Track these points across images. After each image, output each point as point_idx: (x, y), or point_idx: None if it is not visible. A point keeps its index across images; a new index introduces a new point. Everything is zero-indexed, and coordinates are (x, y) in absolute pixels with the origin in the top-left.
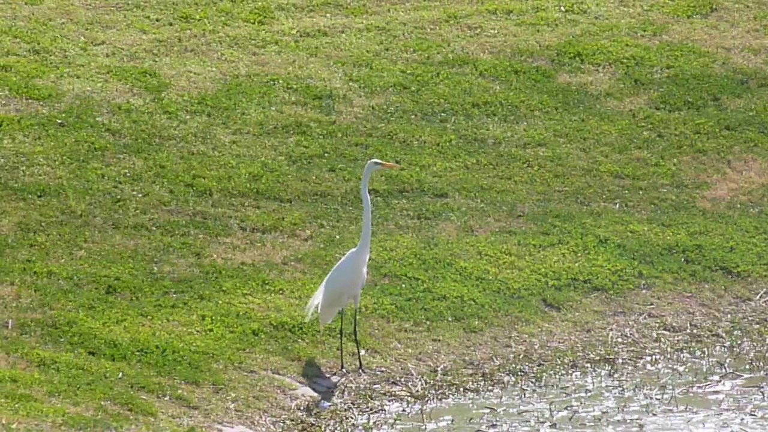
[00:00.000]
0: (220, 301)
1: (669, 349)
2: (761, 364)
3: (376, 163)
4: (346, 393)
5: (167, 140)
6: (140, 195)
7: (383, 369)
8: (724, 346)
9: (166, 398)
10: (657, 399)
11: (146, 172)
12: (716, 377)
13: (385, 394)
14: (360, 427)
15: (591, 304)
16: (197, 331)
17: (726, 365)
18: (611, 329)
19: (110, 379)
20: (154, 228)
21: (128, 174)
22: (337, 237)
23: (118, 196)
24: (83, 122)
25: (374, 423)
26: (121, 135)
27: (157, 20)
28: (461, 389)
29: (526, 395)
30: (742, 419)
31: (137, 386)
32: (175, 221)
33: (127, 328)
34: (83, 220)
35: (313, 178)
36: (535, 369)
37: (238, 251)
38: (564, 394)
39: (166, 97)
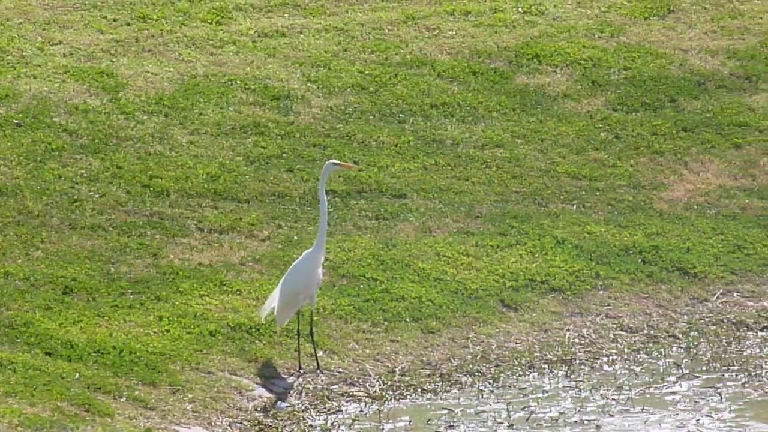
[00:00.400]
0: (177, 302)
1: (626, 350)
2: (718, 365)
3: (335, 164)
4: (303, 394)
5: (124, 141)
6: (97, 195)
7: (341, 370)
8: (681, 347)
9: (123, 399)
10: (614, 400)
11: (103, 172)
12: (673, 378)
13: (342, 395)
14: (317, 428)
15: (548, 305)
16: (154, 332)
17: (683, 366)
18: (568, 330)
19: (67, 379)
20: (111, 228)
21: (85, 174)
22: (295, 238)
23: (75, 197)
24: (40, 122)
25: (332, 424)
26: (78, 135)
27: (115, 20)
28: (419, 390)
29: (484, 396)
30: (698, 420)
31: (94, 387)
32: (132, 222)
33: (83, 329)
34: (40, 220)
35: (271, 178)
36: (492, 370)
37: (196, 252)
38: (521, 395)
39: (124, 97)
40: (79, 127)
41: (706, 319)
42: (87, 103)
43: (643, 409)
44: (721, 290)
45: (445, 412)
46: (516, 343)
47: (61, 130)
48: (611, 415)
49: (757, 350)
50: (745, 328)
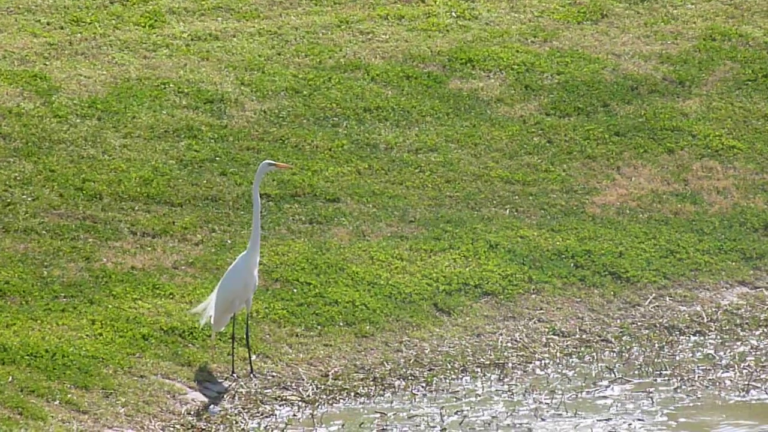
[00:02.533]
0: (110, 306)
1: (558, 354)
2: (650, 369)
3: (270, 164)
4: (236, 398)
5: (57, 144)
6: (30, 199)
7: (274, 374)
8: (614, 351)
9: (56, 402)
10: (546, 404)
11: (36, 175)
12: (605, 382)
13: (276, 399)
14: None
15: (481, 309)
16: (87, 336)
17: (615, 370)
18: (501, 334)
19: (0, 383)
20: (44, 232)
21: (18, 178)
22: (229, 241)
23: (8, 200)
24: None
25: (265, 427)
26: (11, 139)
27: (48, 24)
28: (352, 394)
29: (417, 400)
30: (630, 424)
31: (27, 390)
32: (65, 225)
33: (16, 332)
34: None
35: (205, 182)
36: (425, 373)
37: (129, 255)
38: (454, 399)
39: (57, 100)
40: (12, 130)
41: (639, 324)
42: (20, 107)
43: (575, 414)
44: (653, 295)
45: (378, 416)
46: (449, 347)
47: None
48: (543, 419)
49: (690, 355)
50: (678, 333)
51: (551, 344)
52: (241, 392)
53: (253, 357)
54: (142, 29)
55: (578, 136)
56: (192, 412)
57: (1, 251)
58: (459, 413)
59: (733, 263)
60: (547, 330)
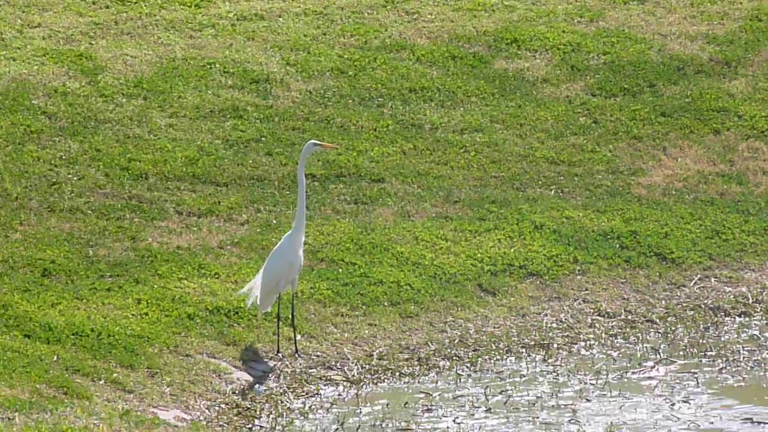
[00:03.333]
0: (156, 285)
1: (603, 335)
2: (695, 350)
3: (315, 144)
4: (281, 377)
5: (103, 123)
6: (76, 178)
7: (319, 353)
8: (659, 332)
9: (101, 382)
10: (591, 384)
11: (82, 155)
12: (650, 363)
13: (320, 379)
14: (295, 411)
15: (526, 290)
16: (132, 315)
17: (660, 351)
18: (546, 315)
19: (45, 362)
20: (89, 211)
21: (64, 157)
22: (274, 221)
23: (54, 180)
24: (19, 105)
25: (310, 407)
26: (57, 118)
27: (94, 3)
28: (397, 374)
29: (461, 380)
30: (673, 405)
31: (72, 369)
32: (111, 205)
33: (62, 312)
34: (19, 203)
35: (250, 162)
36: (470, 354)
37: (174, 235)
38: (499, 379)
39: (103, 80)
40: (58, 109)
41: (684, 305)
42: (66, 86)
43: (619, 394)
44: (698, 275)
45: (422, 395)
46: (494, 328)
47: (40, 112)
48: (588, 400)
49: (735, 336)
50: (723, 314)
51: (596, 325)
52: (287, 372)
53: (299, 337)
54: (188, 9)
55: (624, 117)
56: (237, 392)
57: (47, 231)
58: (503, 393)
59: None
60: (592, 311)
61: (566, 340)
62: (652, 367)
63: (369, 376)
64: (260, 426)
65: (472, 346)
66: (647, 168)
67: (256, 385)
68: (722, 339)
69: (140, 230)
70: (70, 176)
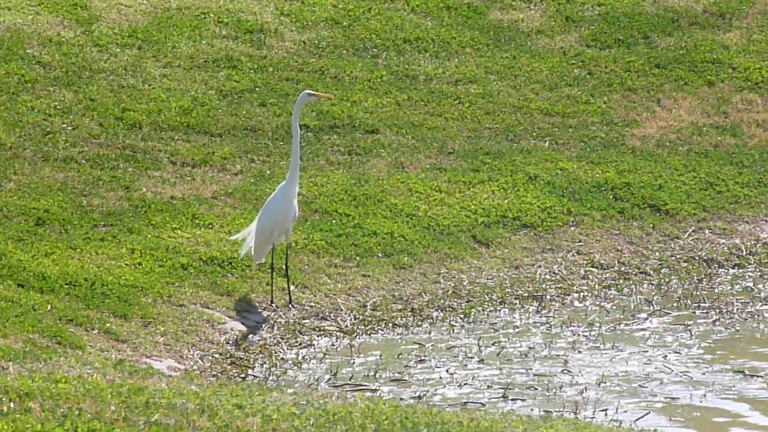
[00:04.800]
0: (150, 235)
1: (597, 287)
2: (688, 302)
3: (310, 94)
4: (275, 327)
5: (97, 73)
6: (70, 128)
7: (313, 304)
8: (652, 284)
9: (94, 331)
10: (584, 336)
11: (76, 105)
12: (643, 315)
13: (314, 329)
14: (289, 362)
15: (520, 241)
16: (126, 265)
17: (653, 303)
18: (539, 266)
19: (39, 311)
20: (83, 161)
21: (58, 107)
22: (268, 172)
23: (48, 129)
24: (13, 55)
25: (303, 357)
26: (51, 68)
27: None
28: (390, 324)
29: (455, 331)
30: (666, 356)
31: (66, 319)
32: (105, 154)
33: (56, 261)
34: (13, 152)
35: (244, 112)
36: (463, 305)
37: (168, 185)
38: (492, 330)
39: (97, 29)
40: (52, 59)
41: (678, 256)
42: (60, 36)
43: (612, 346)
44: (692, 227)
45: (416, 346)
46: (487, 279)
47: (34, 62)
48: (580, 351)
49: (728, 288)
50: (717, 266)
51: (590, 277)
52: (280, 322)
53: (292, 287)
54: None
55: (618, 68)
56: (231, 342)
57: (41, 180)
58: (497, 344)
59: None
60: (585, 262)
61: (559, 291)
62: (645, 319)
63: (362, 326)
64: (254, 376)
65: (465, 297)
66: (641, 119)
67: (250, 336)
68: (716, 291)
69: (134, 180)
70: (64, 126)
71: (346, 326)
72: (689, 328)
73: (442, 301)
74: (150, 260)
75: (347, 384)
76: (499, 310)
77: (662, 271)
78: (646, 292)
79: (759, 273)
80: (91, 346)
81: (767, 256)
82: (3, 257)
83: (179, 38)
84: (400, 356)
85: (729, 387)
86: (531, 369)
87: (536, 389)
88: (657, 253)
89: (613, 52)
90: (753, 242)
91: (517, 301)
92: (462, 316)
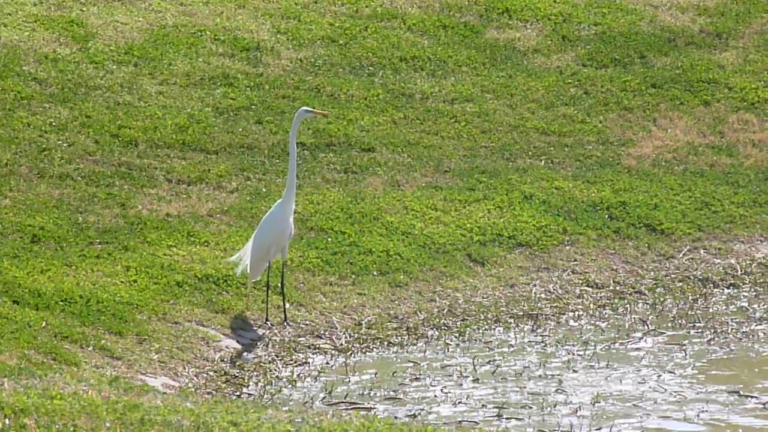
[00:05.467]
0: (145, 253)
1: (592, 306)
2: (683, 321)
3: (307, 111)
4: (270, 345)
5: (93, 90)
6: (66, 145)
7: (308, 322)
8: (647, 303)
9: (89, 348)
10: (579, 355)
11: (72, 122)
12: (638, 334)
13: (309, 347)
14: (284, 380)
15: (515, 260)
16: (121, 282)
17: (648, 322)
18: (535, 285)
19: (34, 328)
20: (79, 178)
21: (54, 123)
22: (264, 190)
23: (44, 146)
24: (10, 71)
25: (298, 375)
26: (47, 84)
27: None
28: (385, 343)
29: (450, 349)
30: (660, 376)
31: (61, 336)
32: (101, 171)
33: (51, 278)
34: (8, 169)
35: (240, 130)
36: (458, 323)
37: (164, 202)
38: (487, 349)
39: (93, 47)
40: (48, 76)
41: (673, 276)
42: (56, 53)
43: (607, 365)
44: (687, 247)
45: (411, 365)
46: (482, 298)
47: (30, 78)
48: (575, 371)
49: (723, 307)
50: (712, 285)
51: (585, 296)
52: (275, 340)
53: (287, 305)
54: None
55: (615, 88)
56: (226, 359)
57: (37, 197)
58: (491, 363)
59: None
60: (580, 281)
61: (554, 310)
62: (640, 338)
63: (357, 344)
64: (248, 393)
65: (460, 315)
66: (637, 139)
67: (245, 353)
68: (711, 310)
69: (130, 197)
70: (60, 143)
71: (341, 344)
72: (684, 347)
73: (438, 320)
74: (145, 278)
75: (342, 402)
76: (494, 329)
77: (657, 290)
78: (641, 311)
79: (754, 293)
80: (86, 362)
81: (762, 276)
82: None
83: (175, 55)
84: (395, 374)
85: (723, 407)
86: (526, 388)
87: (531, 408)
88: (652, 273)
89: (609, 72)
90: (748, 262)
91: (512, 320)
92: (457, 334)
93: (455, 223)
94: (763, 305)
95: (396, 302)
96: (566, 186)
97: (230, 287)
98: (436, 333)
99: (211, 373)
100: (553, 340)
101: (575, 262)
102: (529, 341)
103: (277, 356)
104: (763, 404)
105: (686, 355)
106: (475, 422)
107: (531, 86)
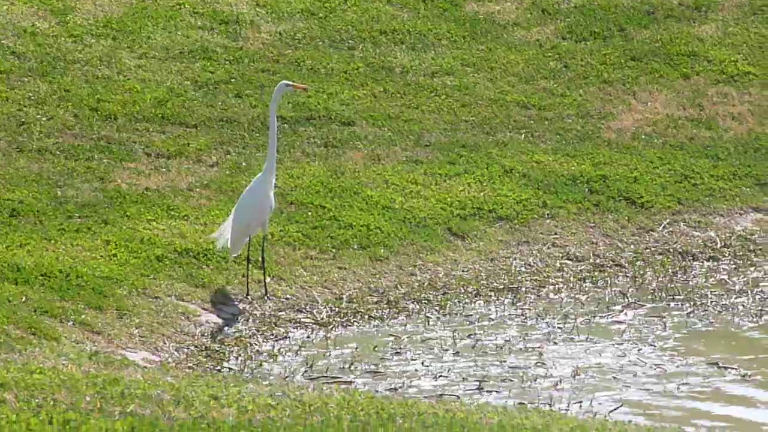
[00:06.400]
0: (125, 227)
1: (572, 279)
2: (663, 294)
3: (287, 85)
4: (251, 320)
5: (72, 64)
6: (45, 119)
7: (289, 296)
8: (627, 276)
9: (69, 323)
10: (559, 328)
11: (51, 95)
12: (618, 307)
13: (290, 321)
14: (264, 354)
15: (495, 234)
16: (101, 256)
17: (628, 295)
18: (515, 258)
19: (13, 303)
20: (58, 152)
21: (33, 97)
22: (244, 164)
23: (23, 120)
24: None
25: (279, 350)
26: (26, 58)
27: None
28: (366, 317)
29: (430, 323)
30: (640, 350)
31: (40, 310)
32: (80, 145)
33: (30, 252)
34: None
35: (220, 104)
36: (439, 297)
37: (143, 176)
38: (468, 323)
39: (72, 20)
40: (27, 49)
41: (653, 249)
42: (35, 26)
43: (587, 338)
44: (667, 220)
45: (391, 338)
46: (463, 271)
47: (8, 52)
48: (555, 343)
49: (703, 280)
50: (691, 258)
51: (565, 269)
52: (256, 314)
53: (268, 279)
54: None
55: (594, 61)
56: (206, 334)
57: (16, 171)
58: (472, 337)
59: (748, 189)
60: (561, 255)
61: (535, 284)
62: (620, 311)
63: (338, 319)
64: (229, 368)
65: (441, 289)
66: (617, 112)
67: (225, 328)
68: (690, 283)
69: (109, 171)
70: (38, 116)
71: (322, 318)
72: (664, 320)
73: (418, 294)
74: (125, 252)
75: (323, 376)
76: (475, 303)
77: (637, 263)
78: (621, 284)
79: (734, 266)
80: (65, 337)
81: (742, 248)
82: None
83: (154, 29)
84: (375, 348)
85: (703, 379)
86: (506, 361)
87: (511, 381)
88: (632, 246)
89: (589, 45)
90: (728, 235)
91: (493, 294)
92: (437, 308)
93: (435, 197)
94: (743, 278)
95: (377, 276)
96: (546, 160)
97: (210, 261)
98: (417, 307)
99: (192, 348)
100: (534, 314)
101: (555, 236)
102: (510, 314)
103: (258, 330)
104: (743, 376)
105: (666, 327)
106: (455, 395)
107: (511, 60)
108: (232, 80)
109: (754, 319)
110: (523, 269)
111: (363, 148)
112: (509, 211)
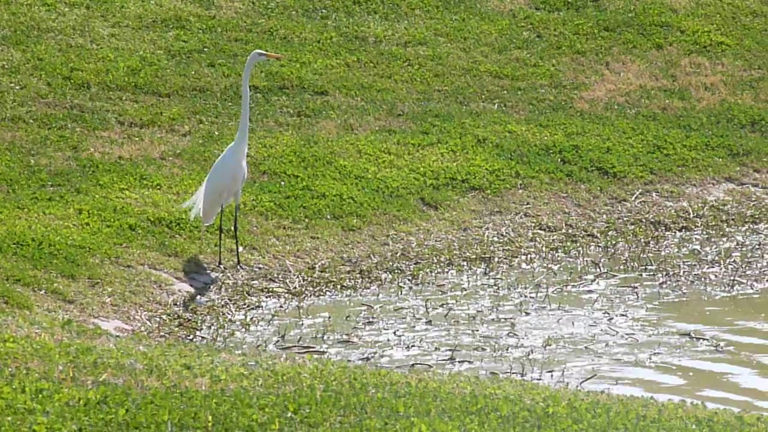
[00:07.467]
0: (97, 196)
1: (544, 249)
2: (635, 264)
3: (260, 54)
4: (223, 289)
5: (46, 32)
6: (18, 87)
7: (261, 266)
8: (599, 246)
9: (41, 291)
10: (531, 298)
11: (24, 64)
12: (590, 277)
13: (262, 291)
14: (237, 323)
15: (468, 204)
16: (74, 225)
17: (600, 265)
18: (488, 228)
19: None
20: (31, 121)
21: (6, 66)
22: (216, 133)
23: None
24: None
25: (251, 319)
26: None
27: None
28: (338, 286)
29: (403, 293)
30: (612, 319)
31: (13, 279)
32: (53, 114)
33: (3, 221)
34: None
35: (192, 73)
36: (412, 267)
37: (116, 145)
38: (440, 292)
39: None
40: (0, 18)
41: (625, 219)
42: None
43: (559, 307)
44: (640, 190)
45: (364, 308)
46: (435, 241)
47: None
48: (527, 313)
49: (676, 250)
50: (663, 228)
51: (537, 239)
52: (228, 283)
53: (240, 249)
54: None
55: (568, 31)
56: (178, 303)
57: None
58: (444, 306)
59: (720, 159)
60: (533, 225)
61: (507, 253)
62: (592, 281)
63: (311, 288)
64: (202, 337)
65: (413, 259)
66: (590, 82)
67: (198, 297)
68: (663, 253)
69: (82, 140)
70: (12, 85)
71: (295, 288)
72: (636, 290)
73: (391, 263)
74: (97, 221)
75: (295, 345)
76: (447, 272)
77: (609, 233)
78: (593, 254)
79: (706, 236)
80: (38, 306)
81: (714, 218)
82: None
83: None
84: (348, 318)
85: (675, 349)
86: (478, 331)
87: (483, 351)
88: (604, 216)
89: (562, 15)
90: (700, 205)
91: (465, 263)
92: (410, 277)
93: (408, 167)
94: (715, 248)
95: (349, 246)
96: (519, 130)
97: (183, 231)
98: (389, 276)
99: (164, 317)
100: (506, 284)
101: (528, 206)
102: (482, 284)
103: (230, 300)
104: (715, 347)
105: (638, 297)
106: (428, 365)
107: (484, 29)
108: (205, 49)
109: (726, 289)
110: (495, 239)
111: (336, 117)
112: (482, 181)
